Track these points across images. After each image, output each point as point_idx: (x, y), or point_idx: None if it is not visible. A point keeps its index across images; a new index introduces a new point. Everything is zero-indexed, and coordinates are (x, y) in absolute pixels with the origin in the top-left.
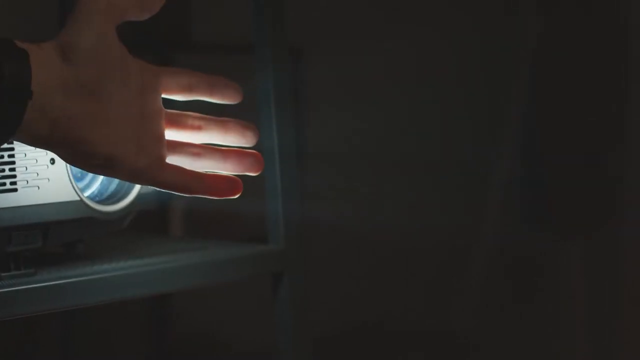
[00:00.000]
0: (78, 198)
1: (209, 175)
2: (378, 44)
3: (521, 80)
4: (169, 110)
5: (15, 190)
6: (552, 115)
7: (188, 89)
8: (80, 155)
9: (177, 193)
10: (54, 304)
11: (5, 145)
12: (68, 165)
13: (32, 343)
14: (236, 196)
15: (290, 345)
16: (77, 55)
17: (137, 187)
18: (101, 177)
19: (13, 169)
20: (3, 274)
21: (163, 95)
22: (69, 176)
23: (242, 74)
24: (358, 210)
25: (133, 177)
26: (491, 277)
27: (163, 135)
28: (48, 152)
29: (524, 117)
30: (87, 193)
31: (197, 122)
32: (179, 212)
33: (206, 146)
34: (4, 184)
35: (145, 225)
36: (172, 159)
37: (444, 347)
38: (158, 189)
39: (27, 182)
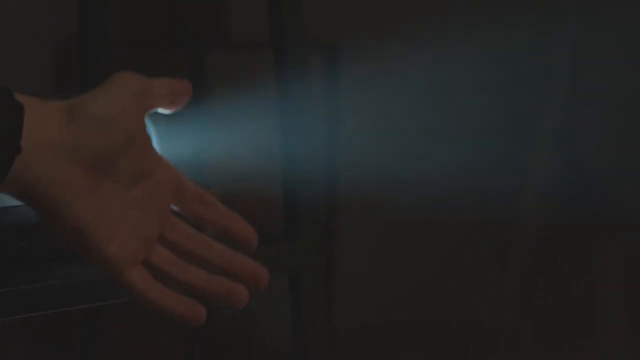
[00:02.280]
0: None
1: (173, 297)
2: (413, 40)
3: (562, 74)
4: (176, 219)
5: None
6: (592, 107)
7: (198, 213)
8: (50, 219)
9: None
10: (67, 303)
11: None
12: None
13: (59, 342)
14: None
15: (306, 346)
16: (83, 119)
17: None
18: None
19: None
20: (15, 273)
21: (174, 205)
22: None
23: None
24: (396, 203)
25: (98, 262)
26: (530, 269)
27: (151, 238)
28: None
29: (565, 109)
30: None
31: (198, 248)
32: None
33: (206, 247)
34: None
35: None
36: (160, 256)
37: (480, 340)
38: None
39: None
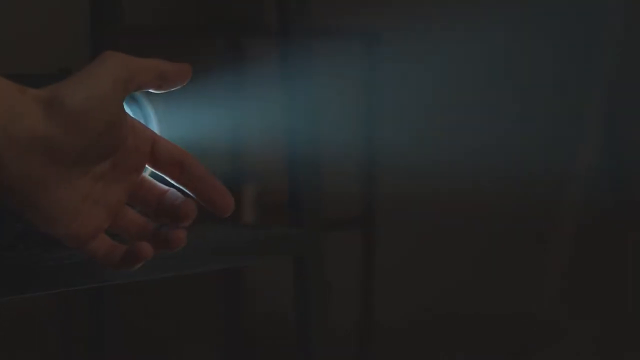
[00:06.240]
0: None
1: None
2: (457, 31)
3: (605, 68)
4: (148, 179)
5: None
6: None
7: (172, 175)
8: (19, 209)
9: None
10: (61, 284)
11: None
12: None
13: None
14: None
15: (310, 329)
16: (61, 114)
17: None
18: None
19: None
20: (9, 254)
21: (149, 166)
22: None
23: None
24: (437, 191)
25: (65, 239)
26: (571, 261)
27: (115, 205)
28: None
29: (611, 95)
30: None
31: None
32: (249, 199)
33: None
34: None
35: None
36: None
37: (523, 330)
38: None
39: None
